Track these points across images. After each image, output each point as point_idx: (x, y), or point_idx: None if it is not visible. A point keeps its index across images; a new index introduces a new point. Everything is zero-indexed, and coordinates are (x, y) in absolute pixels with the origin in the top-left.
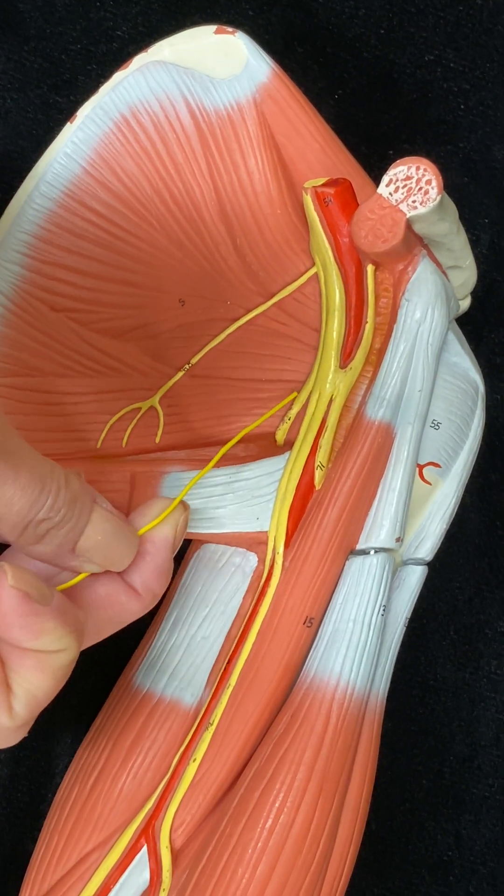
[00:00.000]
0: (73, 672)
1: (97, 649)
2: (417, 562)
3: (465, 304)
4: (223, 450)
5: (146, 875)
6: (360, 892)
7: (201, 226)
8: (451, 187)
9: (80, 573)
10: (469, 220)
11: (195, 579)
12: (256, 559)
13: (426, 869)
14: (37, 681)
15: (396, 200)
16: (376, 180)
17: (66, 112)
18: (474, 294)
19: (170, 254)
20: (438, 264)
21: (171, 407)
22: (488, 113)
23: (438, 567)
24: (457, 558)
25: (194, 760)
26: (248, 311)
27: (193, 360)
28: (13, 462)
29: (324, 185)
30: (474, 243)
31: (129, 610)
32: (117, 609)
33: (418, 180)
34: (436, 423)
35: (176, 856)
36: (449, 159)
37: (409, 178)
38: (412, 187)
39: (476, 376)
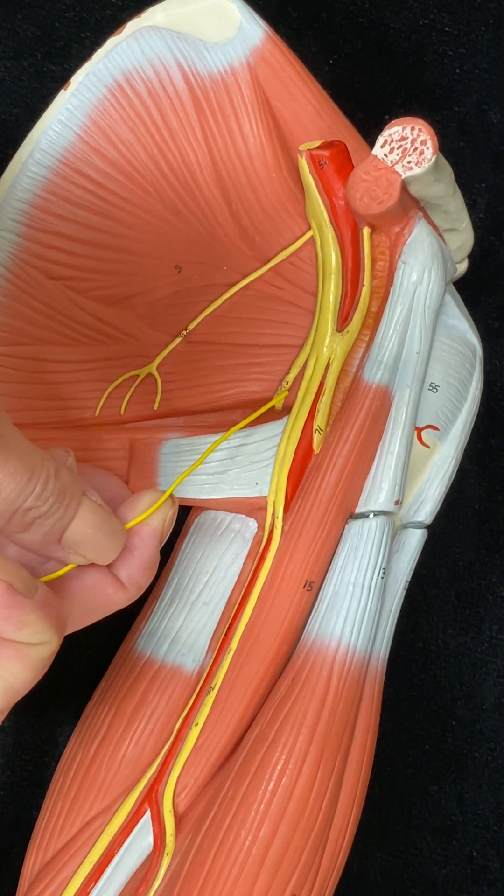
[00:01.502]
0: (76, 639)
1: None
2: (417, 525)
3: (463, 267)
4: (219, 439)
5: (150, 840)
6: (363, 856)
7: (196, 191)
8: (448, 152)
9: (67, 564)
10: (466, 185)
11: (195, 546)
12: (256, 525)
13: (429, 833)
14: (15, 671)
15: (392, 161)
16: (372, 145)
17: (59, 80)
18: (472, 259)
19: (165, 220)
20: (435, 227)
21: (169, 374)
22: (483, 77)
23: (439, 533)
24: (457, 524)
25: (196, 725)
26: (245, 276)
27: (190, 327)
28: (2, 448)
29: (319, 147)
30: (471, 207)
31: (114, 601)
32: (103, 599)
33: (413, 140)
34: (434, 385)
35: (179, 820)
36: (445, 124)
37: (404, 138)
38: (407, 148)
39: (474, 339)
